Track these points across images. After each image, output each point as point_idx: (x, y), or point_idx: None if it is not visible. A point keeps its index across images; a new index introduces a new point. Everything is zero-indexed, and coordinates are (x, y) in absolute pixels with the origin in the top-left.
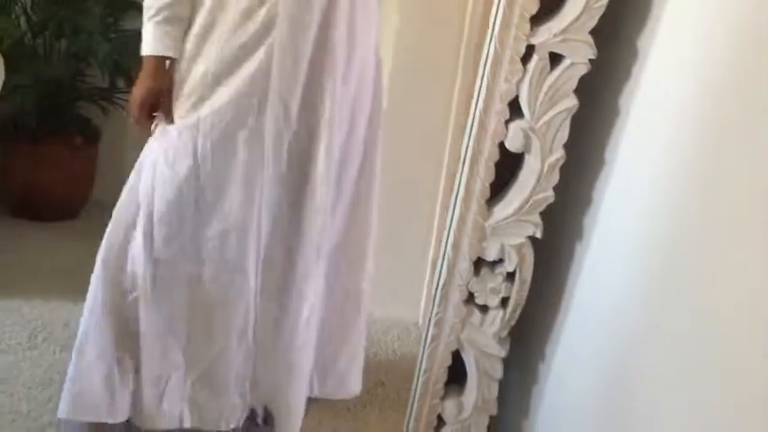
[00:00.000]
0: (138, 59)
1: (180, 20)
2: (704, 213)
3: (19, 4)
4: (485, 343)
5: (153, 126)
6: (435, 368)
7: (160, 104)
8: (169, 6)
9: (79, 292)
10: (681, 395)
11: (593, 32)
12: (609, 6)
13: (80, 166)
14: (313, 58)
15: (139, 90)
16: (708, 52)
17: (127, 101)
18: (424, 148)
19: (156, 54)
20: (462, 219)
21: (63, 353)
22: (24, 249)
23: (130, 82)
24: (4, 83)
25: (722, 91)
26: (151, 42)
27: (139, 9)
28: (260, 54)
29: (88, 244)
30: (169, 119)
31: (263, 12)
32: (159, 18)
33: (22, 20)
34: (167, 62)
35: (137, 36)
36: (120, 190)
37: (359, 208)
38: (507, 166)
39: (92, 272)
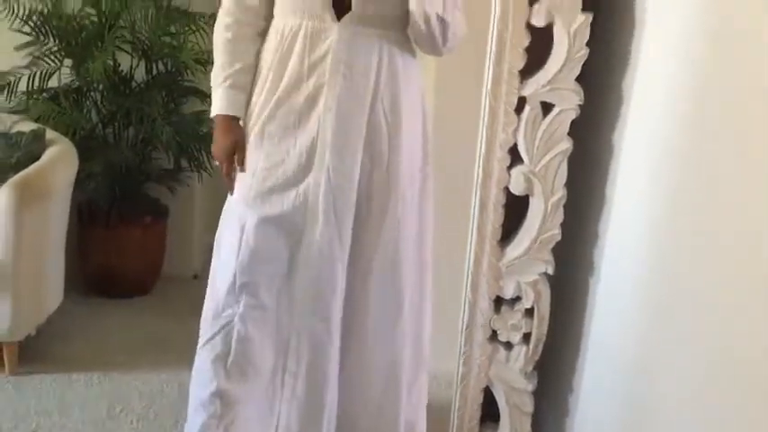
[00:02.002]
0: (199, 140)
1: (243, 86)
2: (704, 237)
3: (90, 98)
4: (512, 378)
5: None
6: (468, 406)
7: (236, 154)
8: (234, 74)
9: (153, 364)
10: (699, 414)
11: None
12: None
13: (151, 243)
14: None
15: (216, 147)
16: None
17: (191, 178)
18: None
19: (224, 113)
20: (478, 260)
21: (140, 422)
22: (101, 326)
23: (193, 161)
24: (78, 171)
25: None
26: (219, 104)
27: (196, 94)
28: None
29: (161, 318)
30: (242, 167)
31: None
32: (226, 84)
33: (93, 113)
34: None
35: (196, 119)
36: (189, 264)
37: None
38: (516, 208)
39: (164, 345)
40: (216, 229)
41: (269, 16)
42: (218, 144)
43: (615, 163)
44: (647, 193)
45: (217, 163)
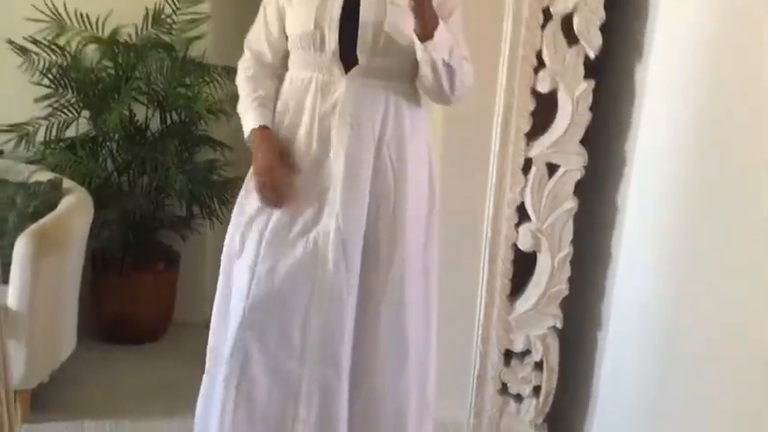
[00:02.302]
0: (211, 187)
1: (270, 108)
2: (708, 288)
3: (106, 147)
4: (523, 431)
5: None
6: None
7: (283, 160)
8: (259, 98)
9: (164, 411)
10: None
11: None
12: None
13: (163, 290)
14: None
15: (258, 162)
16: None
17: (203, 225)
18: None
19: (259, 125)
20: (488, 313)
21: None
22: (113, 372)
23: (205, 209)
24: (93, 219)
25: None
26: (252, 121)
27: (208, 142)
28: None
29: (172, 365)
30: (294, 170)
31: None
32: (254, 105)
33: (109, 161)
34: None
35: (208, 167)
36: (200, 310)
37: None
38: (524, 263)
39: (175, 392)
40: None
41: (284, 69)
42: (261, 156)
43: (620, 221)
44: (652, 249)
45: (259, 180)
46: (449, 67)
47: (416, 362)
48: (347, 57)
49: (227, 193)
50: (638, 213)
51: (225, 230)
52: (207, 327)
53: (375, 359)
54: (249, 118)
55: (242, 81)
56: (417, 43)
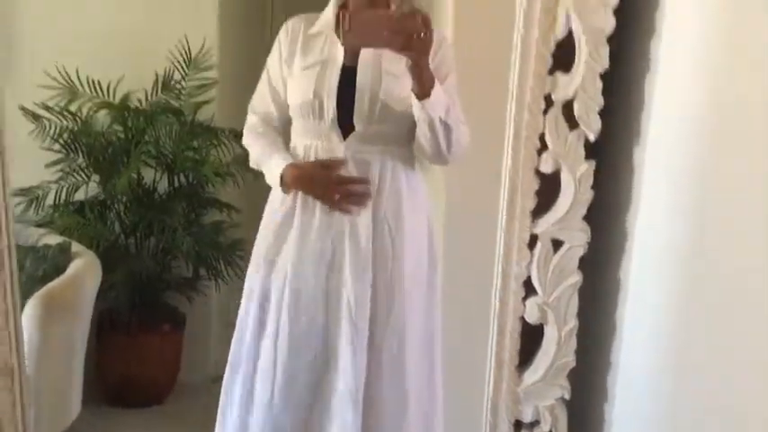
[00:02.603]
0: (217, 249)
1: (282, 148)
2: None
3: (114, 210)
4: None
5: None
6: None
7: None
8: (276, 147)
9: None
10: None
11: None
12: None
13: (168, 352)
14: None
15: (312, 184)
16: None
17: (208, 287)
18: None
19: (286, 164)
20: (497, 385)
21: None
22: None
23: (211, 270)
24: (101, 281)
25: None
26: (280, 163)
27: (215, 204)
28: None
29: (177, 428)
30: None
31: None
32: (274, 153)
33: (116, 224)
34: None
35: (215, 229)
36: (204, 372)
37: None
38: (532, 334)
39: None
40: (231, 337)
41: (287, 137)
42: (311, 179)
43: (623, 295)
44: (653, 322)
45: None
46: (446, 125)
47: (416, 420)
48: (345, 124)
49: (233, 254)
50: (640, 287)
51: (230, 291)
52: (212, 388)
53: (379, 415)
54: (278, 159)
55: (252, 139)
56: (415, 102)
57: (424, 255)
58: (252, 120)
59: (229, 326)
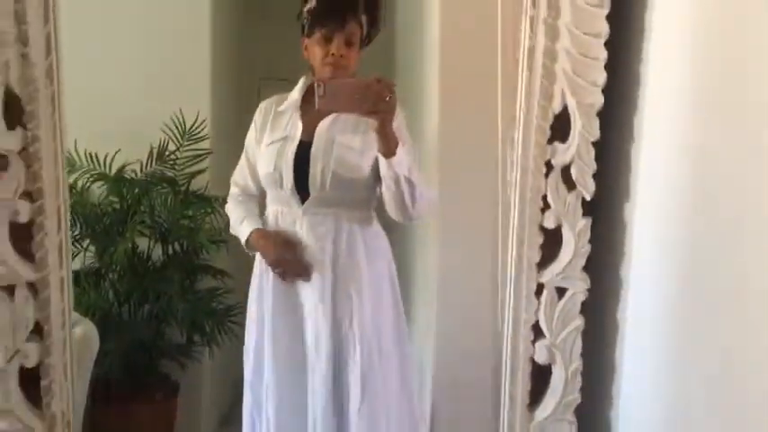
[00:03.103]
0: (212, 315)
1: (254, 215)
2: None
3: (108, 279)
4: None
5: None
6: None
7: (288, 245)
8: (251, 215)
9: None
10: None
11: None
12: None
13: (160, 420)
14: None
15: (271, 253)
16: None
17: (201, 353)
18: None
19: (256, 227)
20: (512, 425)
21: None
22: None
23: (205, 336)
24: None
25: None
26: (249, 228)
27: (208, 271)
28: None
29: None
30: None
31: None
32: (250, 216)
33: (110, 293)
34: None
35: (210, 295)
36: None
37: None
38: (543, 374)
39: None
40: (224, 404)
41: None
42: (273, 248)
43: (620, 337)
44: (650, 364)
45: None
46: (410, 182)
47: None
48: (303, 191)
49: (227, 319)
50: (636, 328)
51: (223, 357)
52: None
53: None
54: (246, 224)
55: (233, 206)
56: (382, 160)
57: (389, 318)
58: (233, 191)
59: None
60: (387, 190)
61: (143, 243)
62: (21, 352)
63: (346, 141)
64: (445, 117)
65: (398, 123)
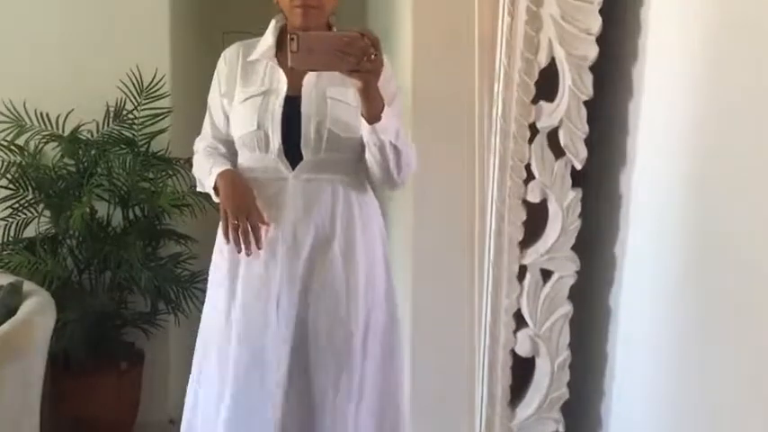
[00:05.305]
0: (177, 282)
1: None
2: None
3: (66, 246)
4: None
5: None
6: None
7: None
8: (223, 155)
9: None
10: None
11: None
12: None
13: (126, 390)
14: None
15: (229, 200)
16: None
17: (167, 321)
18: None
19: (225, 168)
20: (490, 422)
21: None
22: None
23: (170, 303)
24: (55, 320)
25: None
26: (217, 168)
27: (171, 237)
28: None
29: None
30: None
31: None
32: (220, 158)
33: (69, 260)
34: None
35: (173, 261)
36: (164, 409)
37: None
38: (524, 368)
39: None
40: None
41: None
42: (234, 195)
43: (613, 324)
44: (647, 352)
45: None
46: (396, 149)
47: None
48: (292, 153)
49: (193, 286)
50: (630, 316)
51: (189, 325)
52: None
53: None
54: (214, 166)
55: (201, 155)
56: (365, 125)
57: (381, 294)
58: (198, 148)
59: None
60: (371, 157)
61: (102, 208)
62: None
63: (339, 95)
64: (419, 71)
65: (386, 77)
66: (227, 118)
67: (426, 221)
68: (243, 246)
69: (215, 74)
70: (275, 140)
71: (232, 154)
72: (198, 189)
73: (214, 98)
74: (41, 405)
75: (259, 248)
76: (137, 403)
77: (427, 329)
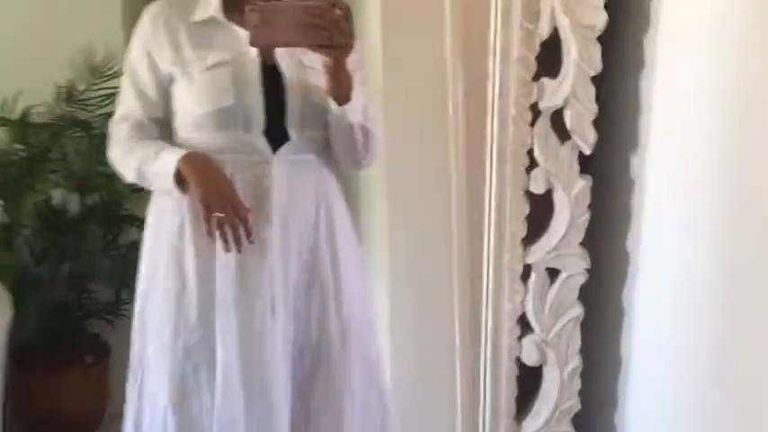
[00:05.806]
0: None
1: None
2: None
3: (21, 236)
4: None
5: None
6: None
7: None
8: (159, 149)
9: None
10: None
11: None
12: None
13: (92, 383)
14: None
15: (205, 190)
16: None
17: (131, 311)
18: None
19: (186, 152)
20: None
21: None
22: None
23: (134, 292)
24: (13, 315)
25: None
26: (173, 154)
27: (132, 223)
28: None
29: None
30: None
31: None
32: (166, 145)
33: (25, 251)
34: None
35: (135, 248)
36: None
37: None
38: (531, 376)
39: None
40: None
41: None
42: (210, 183)
43: (627, 326)
44: (664, 358)
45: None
46: (365, 130)
47: None
48: (272, 131)
49: None
50: (648, 318)
51: None
52: None
53: None
54: (168, 153)
55: (128, 149)
56: (333, 106)
57: (359, 287)
58: (120, 134)
59: None
60: (337, 138)
61: (57, 195)
62: None
63: (315, 63)
64: (388, 39)
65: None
66: (165, 93)
67: (400, 209)
68: (233, 242)
69: (138, 39)
70: (258, 116)
71: (163, 138)
72: (131, 181)
73: (142, 70)
74: (6, 405)
75: (251, 243)
76: (104, 397)
77: (407, 332)
